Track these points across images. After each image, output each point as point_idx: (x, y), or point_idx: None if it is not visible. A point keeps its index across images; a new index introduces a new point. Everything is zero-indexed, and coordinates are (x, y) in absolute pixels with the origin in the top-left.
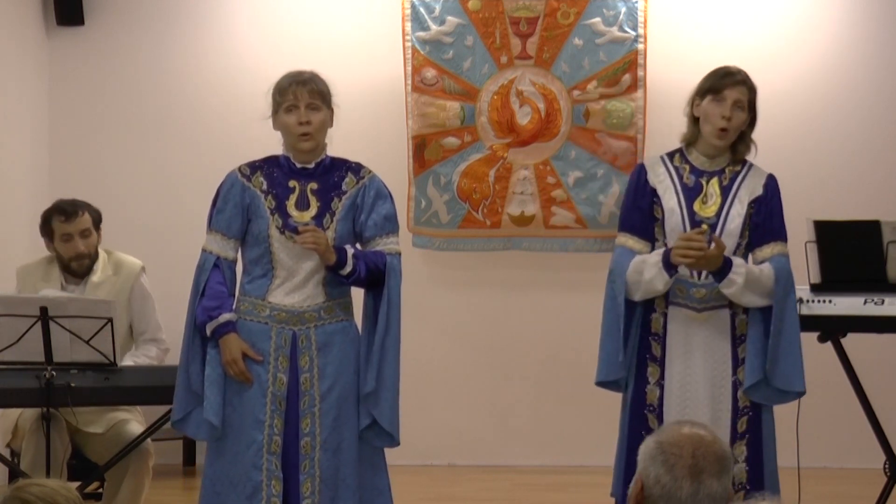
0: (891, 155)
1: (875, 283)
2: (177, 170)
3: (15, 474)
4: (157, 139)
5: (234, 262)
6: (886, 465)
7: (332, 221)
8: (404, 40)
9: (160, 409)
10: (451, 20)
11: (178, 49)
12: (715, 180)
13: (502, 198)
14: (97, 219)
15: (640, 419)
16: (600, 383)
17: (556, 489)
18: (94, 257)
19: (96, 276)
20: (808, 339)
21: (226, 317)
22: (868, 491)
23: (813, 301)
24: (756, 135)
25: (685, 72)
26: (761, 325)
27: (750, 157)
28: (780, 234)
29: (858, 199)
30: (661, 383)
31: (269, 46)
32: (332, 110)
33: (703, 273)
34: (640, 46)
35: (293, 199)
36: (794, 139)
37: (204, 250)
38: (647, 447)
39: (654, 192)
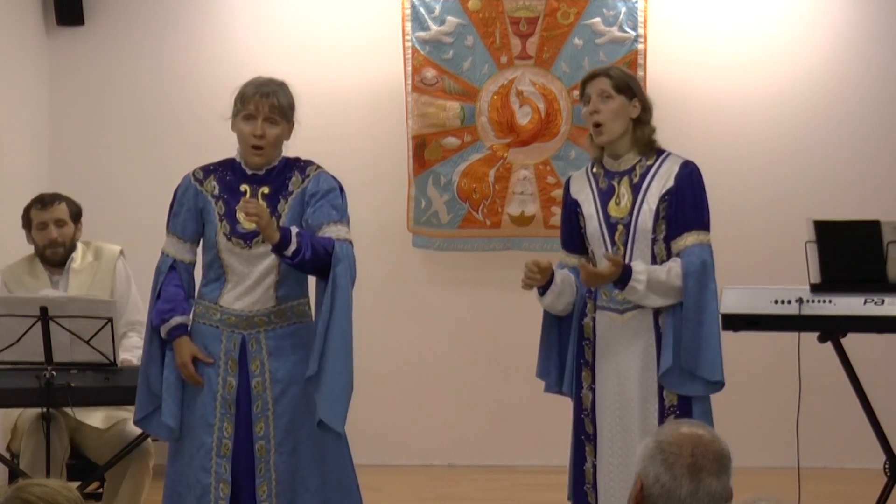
0: (891, 155)
1: (875, 283)
2: (176, 169)
3: (15, 474)
4: (156, 139)
5: (192, 264)
6: (886, 465)
7: (278, 224)
8: (404, 40)
9: None
10: (451, 20)
11: (178, 49)
12: (625, 179)
13: (502, 198)
14: (75, 211)
15: (579, 424)
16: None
17: (556, 489)
18: (69, 247)
19: (76, 264)
20: (809, 339)
21: (177, 320)
22: (868, 491)
23: (813, 301)
24: (756, 135)
25: (685, 72)
26: (675, 316)
27: (669, 147)
28: (695, 223)
29: (858, 199)
30: (592, 387)
31: (269, 46)
32: (291, 124)
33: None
34: (640, 46)
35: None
36: (795, 139)
37: (162, 252)
38: (646, 447)
39: (575, 202)
